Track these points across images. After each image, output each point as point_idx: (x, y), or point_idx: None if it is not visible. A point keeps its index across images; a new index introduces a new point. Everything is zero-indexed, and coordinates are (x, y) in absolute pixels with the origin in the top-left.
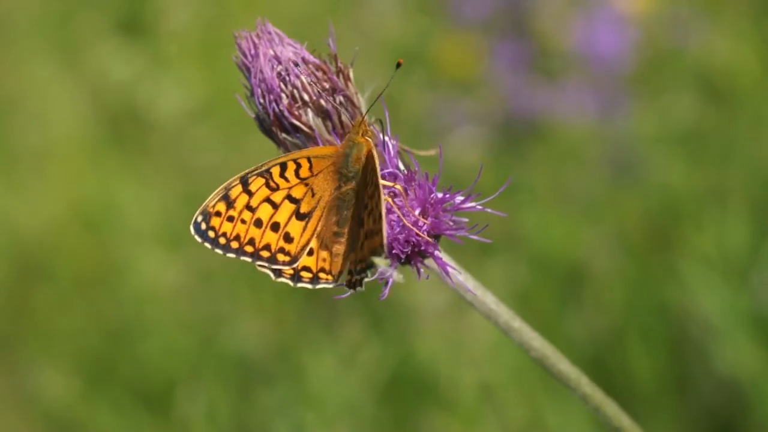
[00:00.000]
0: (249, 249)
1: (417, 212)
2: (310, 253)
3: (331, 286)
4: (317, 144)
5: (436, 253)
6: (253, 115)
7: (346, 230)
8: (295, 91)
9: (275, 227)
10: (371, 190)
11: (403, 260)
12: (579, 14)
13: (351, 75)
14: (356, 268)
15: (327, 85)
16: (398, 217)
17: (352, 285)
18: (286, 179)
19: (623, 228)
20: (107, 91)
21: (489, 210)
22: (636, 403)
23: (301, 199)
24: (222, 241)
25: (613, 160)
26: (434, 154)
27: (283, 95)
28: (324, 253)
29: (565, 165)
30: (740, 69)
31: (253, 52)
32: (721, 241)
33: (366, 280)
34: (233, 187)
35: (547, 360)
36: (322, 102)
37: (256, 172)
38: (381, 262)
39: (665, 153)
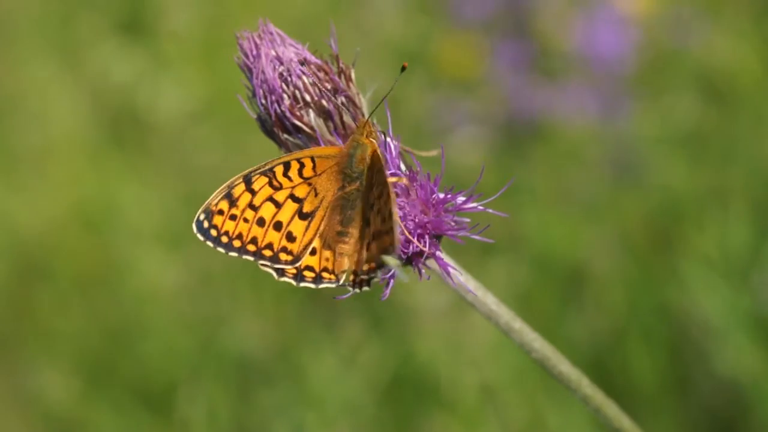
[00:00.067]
0: (251, 248)
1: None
2: (313, 252)
3: (333, 285)
4: (319, 144)
5: (438, 253)
6: (255, 116)
7: (350, 230)
8: (297, 92)
9: (278, 226)
10: (378, 191)
11: (404, 261)
12: (580, 14)
13: (352, 75)
14: (365, 269)
15: (329, 86)
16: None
17: (358, 285)
18: (290, 178)
19: (624, 229)
20: (107, 91)
21: (490, 210)
22: (636, 404)
23: (304, 199)
24: (224, 239)
25: (614, 160)
26: (435, 154)
27: (285, 96)
28: (327, 253)
29: (566, 165)
30: (741, 69)
31: (254, 52)
32: (722, 242)
33: (374, 280)
34: (236, 185)
35: (548, 361)
36: (324, 102)
37: (259, 171)
38: (392, 262)
39: (666, 154)
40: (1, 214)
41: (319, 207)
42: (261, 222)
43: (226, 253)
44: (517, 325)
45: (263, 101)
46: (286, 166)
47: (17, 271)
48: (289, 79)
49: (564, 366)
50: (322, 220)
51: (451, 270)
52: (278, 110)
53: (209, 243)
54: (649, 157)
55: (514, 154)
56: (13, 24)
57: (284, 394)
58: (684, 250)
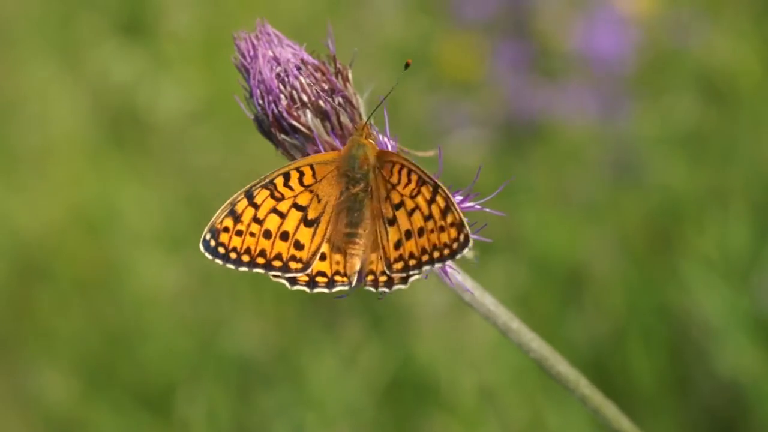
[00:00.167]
0: (260, 260)
1: None
2: (323, 258)
3: (347, 288)
4: (316, 145)
5: None
6: (252, 116)
7: (360, 231)
8: (294, 92)
9: (284, 236)
10: (409, 190)
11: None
12: (580, 15)
13: (350, 76)
14: (398, 267)
15: (326, 86)
16: None
17: (386, 284)
18: (291, 188)
19: (624, 229)
20: (107, 92)
21: (488, 210)
22: (636, 405)
23: (308, 206)
24: (233, 255)
25: (614, 161)
26: (433, 155)
27: (282, 96)
28: (337, 257)
29: (566, 166)
30: (741, 70)
31: (252, 53)
32: (722, 243)
33: (414, 278)
34: (239, 201)
35: (546, 361)
36: (321, 103)
37: (260, 184)
38: (469, 255)
39: (666, 154)
40: (1, 216)
41: (323, 212)
42: (267, 234)
43: (237, 269)
44: (515, 325)
45: (260, 102)
46: (286, 176)
47: (17, 272)
48: (286, 79)
49: (562, 366)
50: (328, 224)
51: (448, 269)
52: (275, 111)
53: (219, 261)
54: (648, 157)
55: (514, 154)
56: (13, 25)
57: (284, 395)
58: (684, 250)
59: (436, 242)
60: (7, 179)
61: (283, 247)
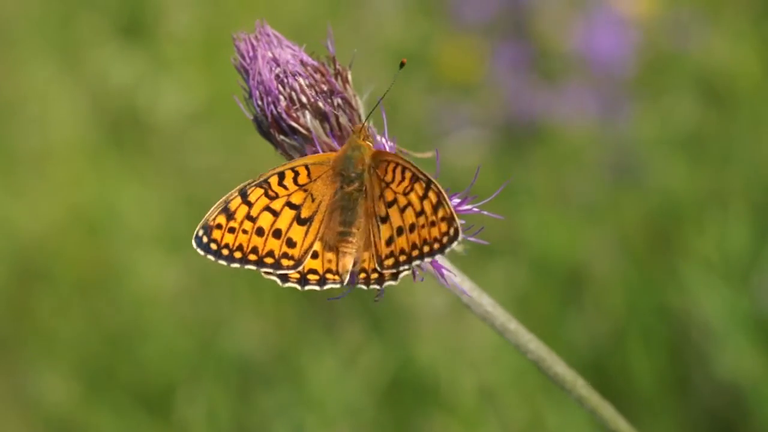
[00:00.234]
0: (252, 257)
1: None
2: (315, 256)
3: (338, 286)
4: (315, 146)
5: None
6: (251, 117)
7: (353, 230)
8: (293, 94)
9: (277, 234)
10: (403, 187)
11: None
12: (579, 16)
13: (349, 77)
14: (389, 263)
15: (325, 88)
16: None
17: (376, 282)
18: (285, 187)
19: (624, 231)
20: (107, 93)
21: (485, 212)
22: (636, 406)
23: (301, 205)
24: (225, 252)
25: (613, 162)
26: (431, 156)
27: (281, 97)
28: (329, 255)
29: (566, 167)
30: (740, 71)
31: (251, 54)
32: (722, 244)
33: (404, 274)
34: (232, 199)
35: (543, 362)
36: (320, 104)
37: (254, 183)
38: (458, 248)
39: (666, 155)
40: (0, 217)
41: (317, 211)
42: (260, 232)
43: (228, 265)
44: (513, 326)
45: (259, 102)
46: (281, 175)
47: (17, 274)
48: (285, 80)
49: (559, 367)
50: (321, 223)
51: (445, 271)
52: (274, 111)
53: (210, 257)
54: (648, 158)
55: (513, 155)
56: (12, 25)
57: (284, 396)
58: (683, 251)
59: (427, 237)
60: (6, 180)
61: (275, 245)
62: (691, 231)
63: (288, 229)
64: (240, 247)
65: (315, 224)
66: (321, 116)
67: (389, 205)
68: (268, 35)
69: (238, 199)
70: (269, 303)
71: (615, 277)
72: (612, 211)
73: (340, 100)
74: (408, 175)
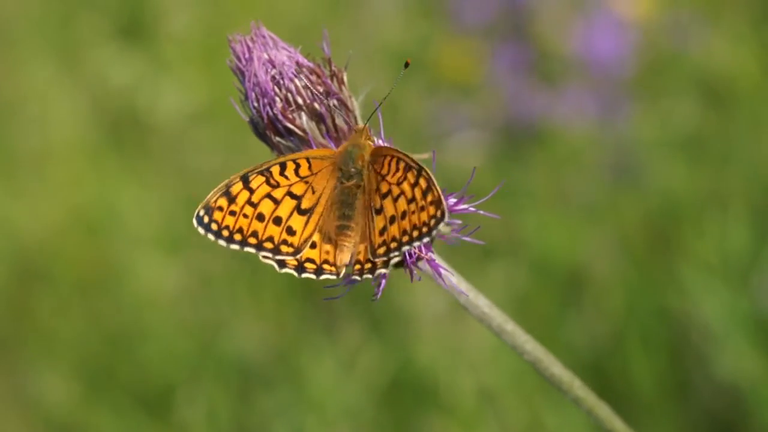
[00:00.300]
0: (252, 240)
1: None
2: (313, 246)
3: (334, 277)
4: (311, 147)
5: (430, 254)
6: (247, 119)
7: (352, 224)
8: (289, 95)
9: (277, 221)
10: (396, 177)
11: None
12: (579, 18)
13: (345, 78)
14: (381, 251)
15: (321, 89)
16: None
17: (369, 271)
18: (286, 177)
19: (623, 232)
20: (107, 93)
21: (482, 212)
22: (636, 408)
23: (302, 196)
24: (225, 233)
25: (613, 163)
26: (428, 157)
27: (277, 99)
28: (327, 246)
29: (566, 169)
30: (740, 73)
31: (247, 55)
32: (722, 246)
33: (394, 260)
34: (234, 183)
35: (540, 363)
36: (316, 105)
37: (256, 170)
38: (445, 230)
39: (665, 157)
40: (1, 218)
41: (317, 204)
42: (260, 217)
43: (228, 246)
44: (510, 327)
45: (255, 104)
46: (282, 166)
47: (17, 274)
48: (281, 82)
49: (556, 368)
50: (320, 215)
51: (442, 271)
52: (270, 113)
53: (210, 236)
54: (648, 160)
55: (513, 157)
56: (12, 25)
57: (284, 397)
58: (683, 253)
59: (416, 222)
60: (6, 181)
61: (275, 231)
62: (691, 232)
63: (288, 217)
64: (240, 230)
65: (315, 216)
66: (317, 117)
67: (384, 196)
68: (263, 37)
69: (240, 184)
70: (269, 304)
71: (615, 278)
72: (612, 212)
73: (335, 102)
74: (402, 165)
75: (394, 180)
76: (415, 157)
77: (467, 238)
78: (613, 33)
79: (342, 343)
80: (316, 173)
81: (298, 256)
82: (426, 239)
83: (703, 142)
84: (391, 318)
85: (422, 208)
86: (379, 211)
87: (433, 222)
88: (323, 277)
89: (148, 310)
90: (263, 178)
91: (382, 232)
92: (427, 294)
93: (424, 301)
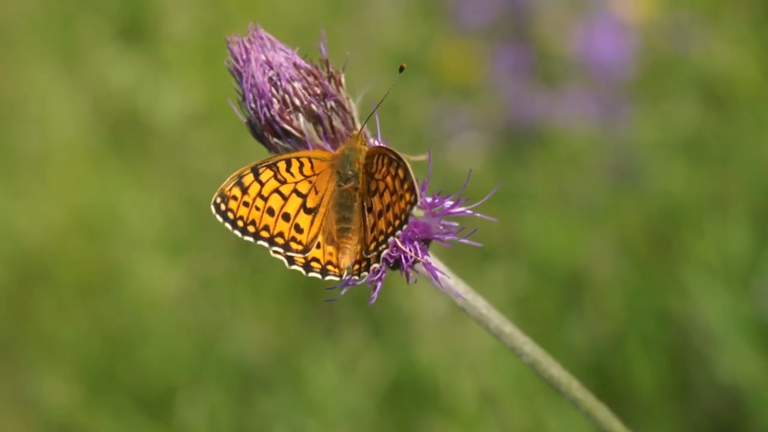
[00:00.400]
0: (264, 234)
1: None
2: (318, 246)
3: (337, 279)
4: (308, 148)
5: (426, 258)
6: (245, 120)
7: (351, 226)
8: (287, 96)
9: (286, 217)
10: (382, 173)
11: (391, 265)
12: (580, 20)
13: (342, 80)
14: (372, 247)
15: (318, 90)
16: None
17: (365, 269)
18: (292, 174)
19: (624, 234)
20: (108, 95)
21: (478, 215)
22: (636, 409)
23: (307, 195)
24: (240, 223)
25: (613, 166)
26: (425, 159)
27: (275, 100)
28: (330, 248)
29: (566, 171)
30: (740, 75)
31: (244, 57)
32: (723, 248)
33: (384, 252)
34: (245, 175)
35: (539, 365)
36: (314, 107)
37: (264, 164)
38: (418, 213)
39: (666, 159)
40: (1, 220)
41: (320, 204)
42: (271, 212)
43: (242, 237)
44: (508, 328)
45: (253, 105)
46: (288, 162)
47: (18, 276)
48: (278, 83)
49: (554, 369)
50: (323, 216)
51: (439, 274)
52: (268, 114)
53: (227, 225)
54: (648, 162)
55: (513, 159)
56: (13, 26)
57: (284, 399)
58: (684, 255)
59: (397, 211)
60: (7, 184)
61: (284, 227)
62: (692, 234)
63: (296, 215)
64: (253, 222)
65: (319, 216)
66: (314, 119)
67: (373, 194)
68: (261, 38)
69: (251, 176)
70: (270, 306)
71: (615, 280)
72: (612, 214)
73: (333, 103)
74: (385, 160)
75: (380, 176)
76: (413, 158)
77: (464, 241)
78: (614, 35)
79: (343, 346)
80: (318, 174)
81: (306, 255)
82: (404, 226)
83: (703, 144)
84: (391, 320)
85: (401, 197)
86: (371, 209)
87: (408, 207)
88: (328, 278)
89: (149, 311)
90: (271, 173)
91: (372, 229)
92: (428, 296)
93: (425, 303)
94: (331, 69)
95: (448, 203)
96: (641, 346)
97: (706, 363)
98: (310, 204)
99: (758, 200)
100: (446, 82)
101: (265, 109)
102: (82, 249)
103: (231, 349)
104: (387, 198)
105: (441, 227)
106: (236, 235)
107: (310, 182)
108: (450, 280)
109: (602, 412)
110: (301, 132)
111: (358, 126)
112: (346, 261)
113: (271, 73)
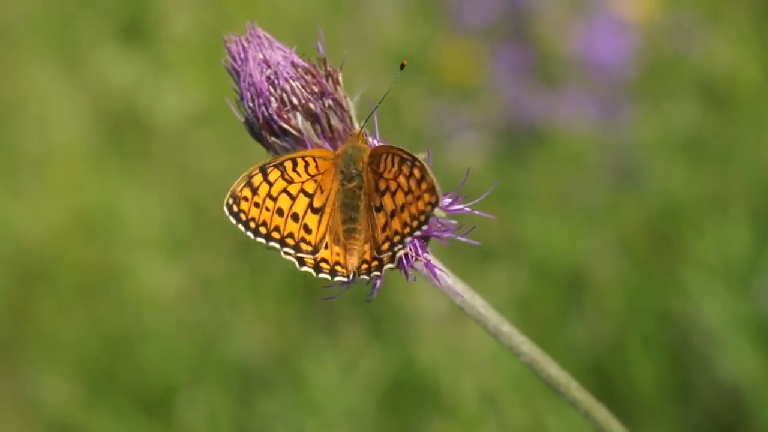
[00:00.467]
0: (276, 235)
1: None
2: (326, 246)
3: (346, 279)
4: (306, 148)
5: (425, 255)
6: (243, 119)
7: (358, 226)
8: (284, 95)
9: (295, 217)
10: (392, 172)
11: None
12: (580, 20)
13: (340, 79)
14: (385, 247)
15: (316, 89)
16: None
17: (376, 269)
18: (298, 174)
19: (624, 234)
20: (108, 95)
21: (477, 212)
22: (637, 410)
23: (313, 194)
24: (252, 225)
25: (614, 166)
26: (424, 157)
27: (272, 99)
28: (337, 248)
29: (566, 171)
30: (741, 75)
31: (242, 56)
32: (723, 248)
33: (399, 253)
34: (255, 175)
35: (537, 365)
36: (311, 106)
37: (272, 164)
38: (440, 214)
39: (666, 159)
40: (1, 220)
41: (326, 203)
42: (280, 212)
43: (255, 239)
44: (506, 328)
45: (251, 104)
46: (294, 162)
47: (18, 276)
48: (276, 82)
49: (552, 369)
50: (329, 216)
51: (438, 272)
52: (265, 113)
53: (240, 227)
54: (648, 162)
55: (514, 159)
56: (13, 26)
57: (285, 399)
58: (684, 255)
59: (415, 212)
60: (7, 184)
61: (294, 228)
62: (692, 234)
63: (304, 215)
64: (264, 224)
65: (326, 216)
66: (312, 118)
67: (383, 193)
68: (259, 37)
69: (260, 176)
70: (270, 306)
71: (616, 280)
72: (612, 214)
73: (331, 102)
74: (396, 159)
75: (390, 175)
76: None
77: (462, 239)
78: (614, 35)
79: (343, 345)
80: (323, 172)
81: (315, 256)
82: (424, 227)
83: (703, 144)
84: (391, 319)
85: (418, 198)
86: (380, 208)
87: (429, 208)
88: (337, 278)
89: (149, 312)
90: (279, 172)
91: (384, 228)
92: (428, 295)
93: (425, 303)
94: (328, 68)
95: (447, 200)
96: (641, 346)
97: (706, 363)
98: (316, 204)
99: (758, 200)
100: (446, 82)
101: (263, 107)
102: (83, 249)
103: (231, 348)
104: (401, 198)
105: (439, 224)
106: (249, 237)
107: (316, 181)
108: (449, 278)
109: (601, 413)
110: (299, 131)
111: (356, 125)
112: (353, 262)
113: (268, 72)
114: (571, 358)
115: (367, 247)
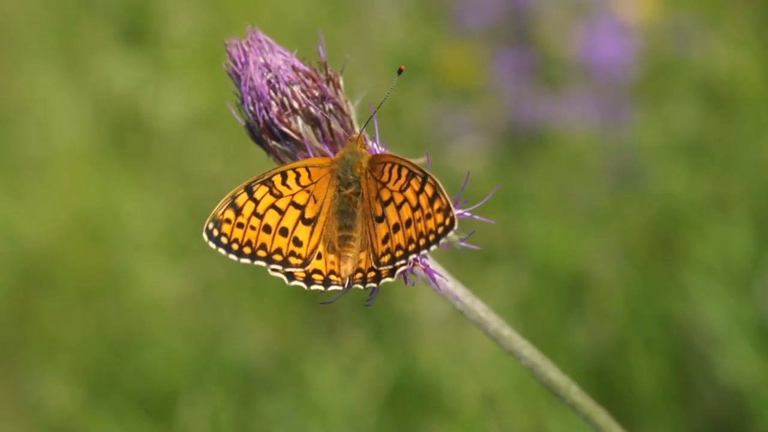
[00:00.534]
0: (261, 253)
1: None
2: (318, 256)
3: (341, 288)
4: (307, 151)
5: (424, 260)
6: (244, 123)
7: (353, 233)
8: (285, 99)
9: (284, 232)
10: (399, 185)
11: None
12: (581, 23)
13: (341, 83)
14: (385, 260)
15: (317, 93)
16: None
17: (374, 280)
18: (288, 187)
19: (626, 237)
20: (110, 99)
21: (477, 217)
22: (638, 412)
23: (305, 205)
24: (235, 246)
25: (615, 168)
26: (423, 161)
27: (273, 103)
28: (332, 257)
29: (568, 173)
30: (742, 77)
31: (243, 59)
32: (724, 251)
33: (401, 268)
34: (239, 195)
35: (537, 368)
36: (312, 110)
37: (258, 181)
38: (454, 237)
39: (668, 162)
40: (3, 223)
41: (320, 213)
42: (267, 229)
43: (238, 260)
44: (506, 332)
45: (251, 108)
46: (284, 175)
47: (20, 280)
48: (277, 86)
49: (553, 373)
50: (324, 225)
51: (437, 277)
52: (266, 117)
53: (221, 251)
54: (650, 165)
55: (515, 161)
56: (14, 29)
57: (286, 402)
58: (686, 258)
59: (423, 230)
60: (9, 187)
61: (282, 243)
62: (693, 236)
63: (294, 228)
64: (249, 243)
65: (319, 225)
66: (313, 122)
67: (386, 204)
68: (259, 41)
69: (245, 195)
70: (271, 310)
71: (617, 282)
72: (614, 216)
73: (331, 106)
74: (404, 172)
75: (396, 187)
76: (413, 161)
77: (462, 244)
78: (616, 37)
79: (344, 348)
80: (316, 182)
81: (306, 268)
82: (433, 247)
83: (705, 147)
84: (393, 323)
85: (428, 216)
86: (381, 219)
87: (441, 230)
88: (331, 288)
89: (151, 315)
90: (266, 188)
91: (385, 240)
92: (429, 299)
93: (426, 306)
94: (329, 72)
95: None
96: (643, 349)
97: (707, 365)
98: (309, 214)
99: (760, 202)
100: (448, 85)
101: (264, 111)
102: (84, 252)
103: (232, 352)
104: (407, 213)
105: None
106: (232, 260)
107: (308, 192)
108: (448, 283)
109: (601, 416)
110: (299, 135)
111: (357, 129)
112: (348, 268)
113: (269, 75)
114: (573, 361)
115: (363, 255)
